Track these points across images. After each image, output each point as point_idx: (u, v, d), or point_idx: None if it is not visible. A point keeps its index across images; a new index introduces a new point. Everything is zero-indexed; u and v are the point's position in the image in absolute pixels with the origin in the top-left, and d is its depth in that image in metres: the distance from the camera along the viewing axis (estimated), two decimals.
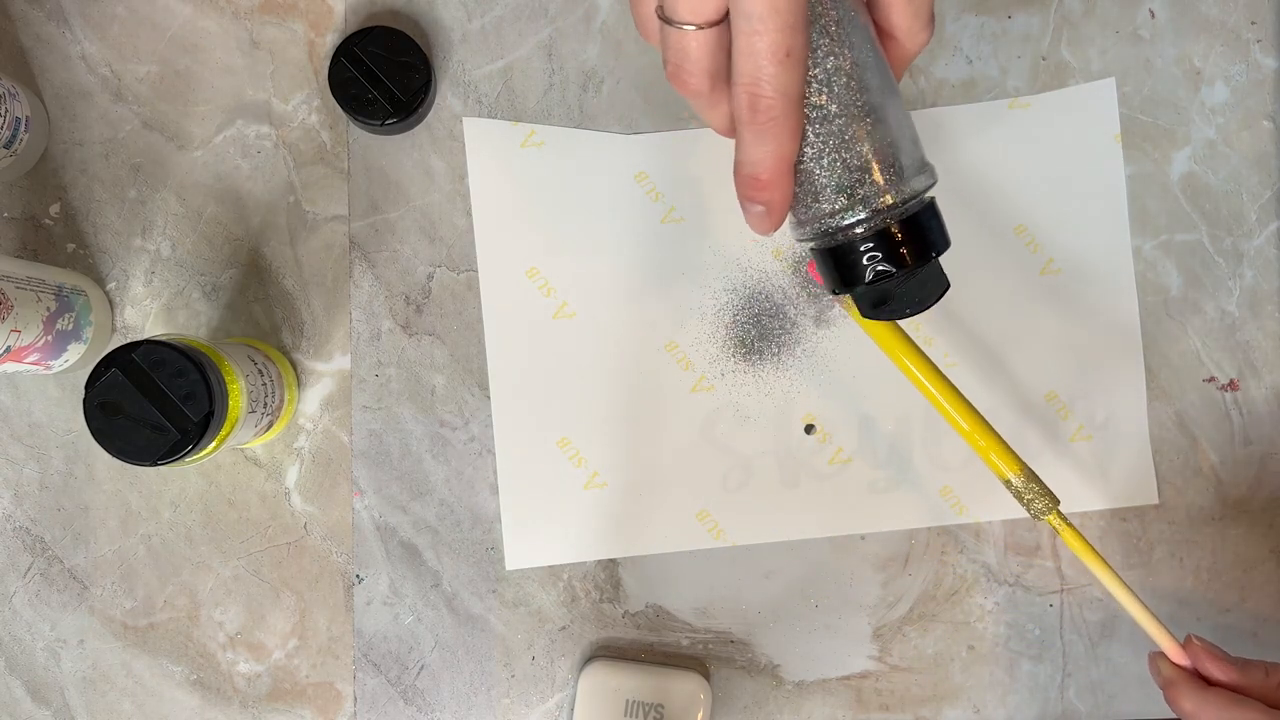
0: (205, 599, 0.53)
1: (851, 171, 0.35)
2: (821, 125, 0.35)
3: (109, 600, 0.53)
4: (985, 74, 0.55)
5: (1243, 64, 0.55)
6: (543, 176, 0.54)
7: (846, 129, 0.35)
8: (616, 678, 0.52)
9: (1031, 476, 0.46)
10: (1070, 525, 0.46)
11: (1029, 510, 0.46)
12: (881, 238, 0.36)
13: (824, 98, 0.35)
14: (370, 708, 0.53)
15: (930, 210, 0.37)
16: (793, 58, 0.33)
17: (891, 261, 0.37)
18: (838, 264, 0.37)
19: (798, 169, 0.36)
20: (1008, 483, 0.46)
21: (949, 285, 0.39)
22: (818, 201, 0.36)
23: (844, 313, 0.54)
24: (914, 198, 0.37)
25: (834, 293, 0.39)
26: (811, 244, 0.38)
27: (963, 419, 0.46)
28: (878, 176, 0.36)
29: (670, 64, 0.36)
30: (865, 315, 0.40)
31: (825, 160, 0.35)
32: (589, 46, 0.54)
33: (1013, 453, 0.46)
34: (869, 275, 0.37)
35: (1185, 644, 0.45)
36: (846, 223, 0.36)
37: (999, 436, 0.46)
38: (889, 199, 0.36)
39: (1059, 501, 0.46)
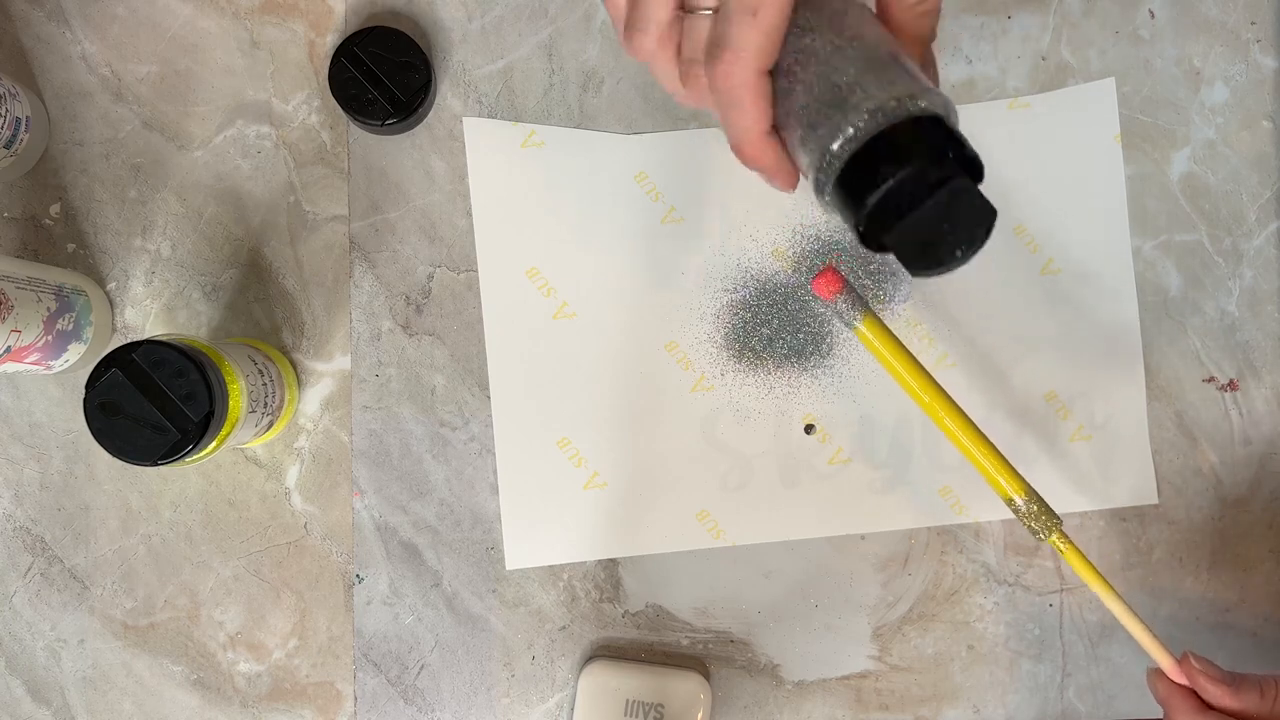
0: (205, 599, 0.53)
1: (840, 89, 0.34)
2: (805, 57, 0.35)
3: (109, 600, 0.53)
4: (985, 74, 0.55)
5: (1243, 64, 0.55)
6: (543, 176, 0.54)
7: (832, 56, 0.35)
8: (616, 678, 0.52)
9: (1035, 497, 0.45)
10: (1074, 546, 0.45)
11: (1031, 531, 0.45)
12: (882, 140, 0.33)
13: (808, 39, 0.35)
14: (370, 707, 0.53)
15: (935, 120, 0.34)
16: (759, 16, 0.33)
17: (896, 160, 0.33)
18: (849, 191, 0.34)
19: (796, 111, 0.35)
20: (1011, 503, 0.45)
21: (995, 212, 0.34)
22: (816, 130, 0.34)
23: (845, 313, 0.54)
24: (912, 102, 0.33)
25: (856, 229, 0.35)
26: (827, 195, 0.35)
27: (966, 438, 0.45)
28: (872, 86, 0.34)
29: (626, 28, 0.36)
30: (908, 266, 0.35)
31: (816, 90, 0.34)
32: (589, 46, 0.54)
33: (1016, 473, 0.45)
34: (882, 184, 0.33)
35: (1181, 661, 0.45)
36: (844, 136, 0.33)
37: (1003, 456, 0.45)
38: (882, 100, 0.33)
39: (1061, 521, 0.46)
